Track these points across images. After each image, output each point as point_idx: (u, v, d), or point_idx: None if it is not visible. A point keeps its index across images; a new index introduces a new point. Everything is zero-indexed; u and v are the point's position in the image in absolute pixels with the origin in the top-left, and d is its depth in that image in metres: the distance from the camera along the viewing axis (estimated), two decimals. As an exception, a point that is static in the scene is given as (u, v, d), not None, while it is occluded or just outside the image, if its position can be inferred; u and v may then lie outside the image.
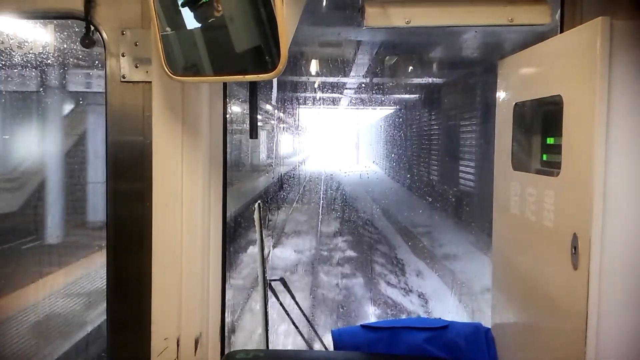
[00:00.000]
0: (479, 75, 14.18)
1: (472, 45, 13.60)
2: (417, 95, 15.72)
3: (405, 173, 15.83)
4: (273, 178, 15.14)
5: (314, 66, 14.61)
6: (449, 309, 10.44)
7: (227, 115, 2.49)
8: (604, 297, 2.01)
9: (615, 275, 2.02)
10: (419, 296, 11.09)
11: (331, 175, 15.56)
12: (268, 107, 15.42)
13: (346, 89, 15.44)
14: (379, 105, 15.42)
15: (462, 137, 14.56)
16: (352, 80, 15.15)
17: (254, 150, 15.55)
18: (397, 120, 16.64)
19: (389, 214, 14.18)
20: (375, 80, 14.97)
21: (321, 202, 14.74)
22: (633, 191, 2.03)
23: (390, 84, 15.14)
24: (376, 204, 14.36)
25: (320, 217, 13.50)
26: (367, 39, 12.96)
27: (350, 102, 15.88)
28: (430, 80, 15.21)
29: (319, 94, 15.68)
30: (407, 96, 16.41)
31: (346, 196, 14.75)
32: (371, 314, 10.26)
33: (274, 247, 12.23)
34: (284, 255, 11.88)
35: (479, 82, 14.21)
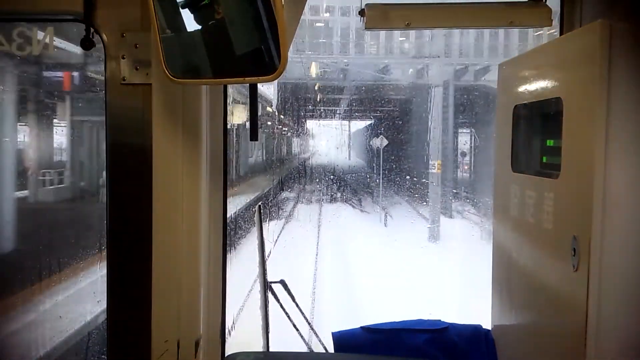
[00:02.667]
0: (404, 108, 24.43)
1: (398, 91, 23.40)
2: (376, 118, 26.81)
3: (366, 157, 27.41)
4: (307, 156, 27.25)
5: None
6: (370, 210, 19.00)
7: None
8: (604, 298, 2.02)
9: (615, 277, 2.03)
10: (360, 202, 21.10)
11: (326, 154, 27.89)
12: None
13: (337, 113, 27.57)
14: (356, 120, 28.14)
15: (400, 139, 24.06)
16: (340, 108, 26.73)
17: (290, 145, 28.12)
18: (365, 130, 29.02)
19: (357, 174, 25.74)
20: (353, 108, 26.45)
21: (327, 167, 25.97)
22: (632, 193, 2.03)
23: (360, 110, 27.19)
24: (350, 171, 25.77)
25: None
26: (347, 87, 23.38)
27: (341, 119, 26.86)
28: (380, 111, 25.96)
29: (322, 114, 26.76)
30: (367, 121, 29.59)
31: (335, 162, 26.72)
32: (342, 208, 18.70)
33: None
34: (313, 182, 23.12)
35: (405, 110, 24.21)
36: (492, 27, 2.63)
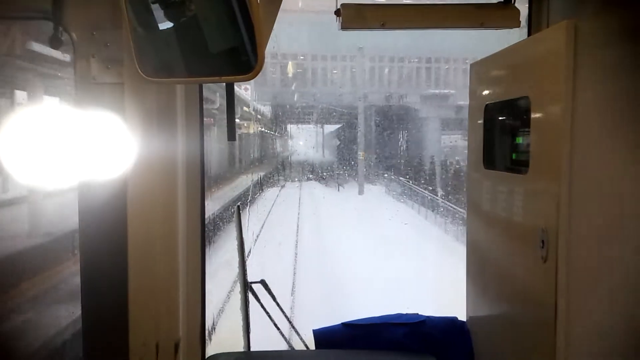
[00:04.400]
0: (351, 120, 31.44)
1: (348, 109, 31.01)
2: (342, 123, 33.16)
3: (334, 152, 33.89)
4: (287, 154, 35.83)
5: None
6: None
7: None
8: (572, 287, 2.10)
9: (582, 267, 2.11)
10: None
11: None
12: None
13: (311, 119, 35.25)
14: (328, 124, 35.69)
15: (348, 139, 32.18)
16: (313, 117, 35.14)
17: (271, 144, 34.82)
18: (335, 132, 35.62)
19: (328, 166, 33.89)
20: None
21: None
22: (598, 187, 2.12)
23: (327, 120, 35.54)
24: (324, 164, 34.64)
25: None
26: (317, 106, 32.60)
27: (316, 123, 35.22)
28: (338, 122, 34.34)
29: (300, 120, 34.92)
30: (336, 125, 35.79)
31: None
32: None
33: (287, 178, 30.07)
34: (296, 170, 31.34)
35: (351, 122, 31.17)
36: (463, 27, 2.68)
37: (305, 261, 14.55)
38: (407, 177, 26.07)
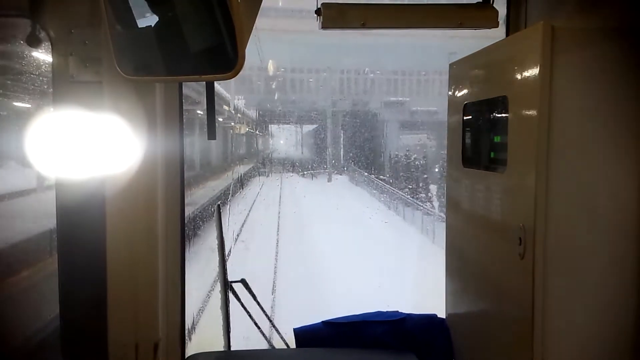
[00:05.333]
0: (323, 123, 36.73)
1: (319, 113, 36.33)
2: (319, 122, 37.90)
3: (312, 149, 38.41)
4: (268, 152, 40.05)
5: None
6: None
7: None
8: (549, 283, 2.14)
9: (559, 263, 2.16)
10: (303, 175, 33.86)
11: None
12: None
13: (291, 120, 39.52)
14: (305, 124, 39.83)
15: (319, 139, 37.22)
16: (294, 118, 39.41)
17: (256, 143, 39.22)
18: (313, 132, 39.71)
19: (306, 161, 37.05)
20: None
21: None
22: (574, 184, 2.17)
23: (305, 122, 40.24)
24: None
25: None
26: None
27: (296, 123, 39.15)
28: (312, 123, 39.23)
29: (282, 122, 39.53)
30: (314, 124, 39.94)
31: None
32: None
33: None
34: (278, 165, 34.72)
35: (324, 124, 36.53)
36: (442, 27, 2.72)
37: (286, 212, 23.75)
38: (367, 169, 31.96)
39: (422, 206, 22.71)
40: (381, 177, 30.04)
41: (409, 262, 15.93)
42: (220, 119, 24.30)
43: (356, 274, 14.28)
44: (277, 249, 17.64)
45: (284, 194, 27.92)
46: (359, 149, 33.60)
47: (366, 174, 31.48)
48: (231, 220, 17.12)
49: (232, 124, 29.63)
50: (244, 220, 20.23)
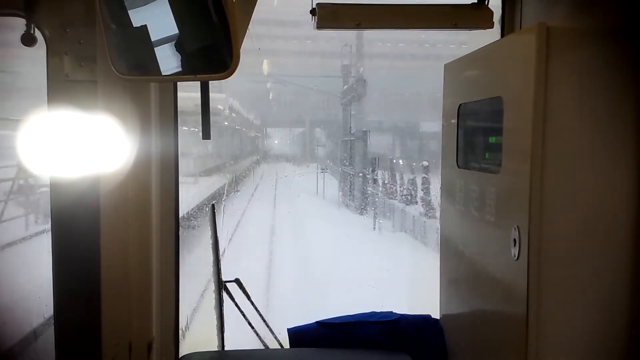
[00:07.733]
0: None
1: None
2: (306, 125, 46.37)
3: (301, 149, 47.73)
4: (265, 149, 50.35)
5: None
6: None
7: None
8: (543, 285, 2.15)
9: (553, 265, 2.16)
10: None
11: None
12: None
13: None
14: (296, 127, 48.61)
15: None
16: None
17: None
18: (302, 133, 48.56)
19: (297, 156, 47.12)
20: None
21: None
22: (569, 185, 2.17)
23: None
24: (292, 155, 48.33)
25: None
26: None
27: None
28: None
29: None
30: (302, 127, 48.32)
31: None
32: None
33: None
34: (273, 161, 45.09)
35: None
36: (437, 28, 2.72)
37: (283, 190, 30.82)
38: (343, 164, 36.61)
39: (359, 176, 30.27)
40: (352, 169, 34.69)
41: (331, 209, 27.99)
42: (237, 127, 36.23)
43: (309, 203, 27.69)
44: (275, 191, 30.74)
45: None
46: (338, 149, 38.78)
47: (340, 167, 36.95)
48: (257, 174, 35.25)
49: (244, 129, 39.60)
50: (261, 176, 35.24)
